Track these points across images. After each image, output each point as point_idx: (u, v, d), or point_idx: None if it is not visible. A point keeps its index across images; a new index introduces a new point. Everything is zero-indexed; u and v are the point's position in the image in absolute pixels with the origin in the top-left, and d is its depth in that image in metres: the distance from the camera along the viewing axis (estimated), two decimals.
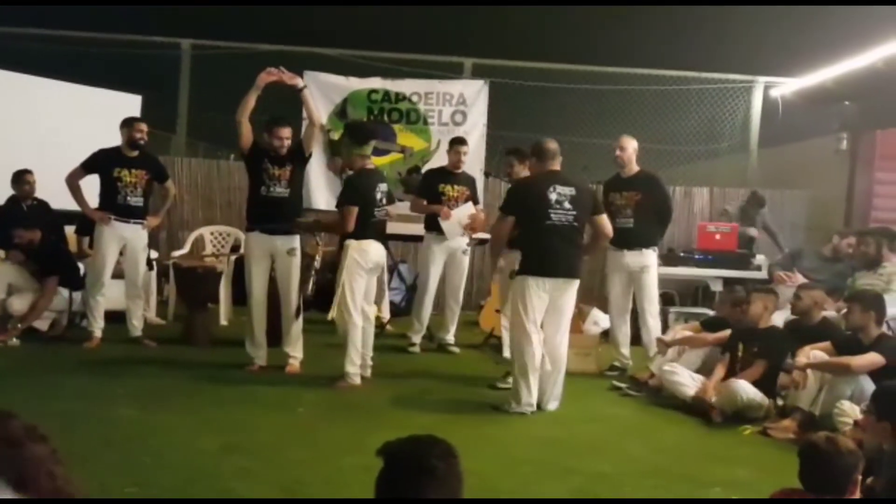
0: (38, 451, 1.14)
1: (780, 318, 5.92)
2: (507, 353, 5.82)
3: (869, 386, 4.54)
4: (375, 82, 8.78)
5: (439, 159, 8.16)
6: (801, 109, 9.07)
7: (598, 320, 7.47)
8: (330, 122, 8.52)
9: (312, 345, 6.01)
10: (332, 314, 5.42)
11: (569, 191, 5.04)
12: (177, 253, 7.95)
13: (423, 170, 8.06)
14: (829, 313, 5.66)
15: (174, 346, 6.40)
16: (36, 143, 7.41)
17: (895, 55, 7.10)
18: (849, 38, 7.53)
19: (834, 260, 6.82)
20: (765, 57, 9.72)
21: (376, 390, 5.43)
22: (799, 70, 8.70)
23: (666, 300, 8.05)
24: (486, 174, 8.28)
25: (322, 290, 5.97)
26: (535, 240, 5.03)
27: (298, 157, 5.79)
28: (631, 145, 6.25)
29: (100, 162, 6.35)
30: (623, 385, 5.81)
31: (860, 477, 2.45)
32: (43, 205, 6.85)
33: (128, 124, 6.42)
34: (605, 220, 5.34)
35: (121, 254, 6.47)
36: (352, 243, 5.41)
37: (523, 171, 5.90)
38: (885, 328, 4.95)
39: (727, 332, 5.55)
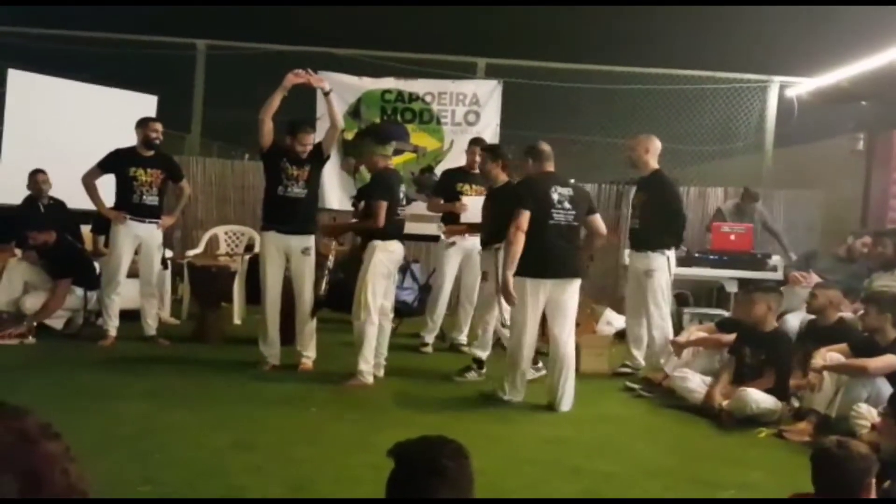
0: (52, 449, 1.15)
1: (796, 320, 5.88)
2: (479, 353, 5.92)
3: (886, 388, 4.50)
4: (389, 82, 8.80)
5: (452, 159, 8.17)
6: (816, 109, 9.00)
7: (612, 320, 7.44)
8: (344, 121, 8.53)
9: (325, 343, 6.03)
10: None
11: (567, 191, 5.17)
12: (191, 252, 7.99)
13: (437, 170, 8.07)
14: (846, 314, 5.62)
15: (187, 345, 6.44)
16: (53, 142, 7.47)
17: None
18: (865, 38, 7.47)
19: (849, 261, 6.76)
20: (780, 56, 9.66)
21: (388, 389, 5.45)
22: (815, 70, 8.63)
23: (680, 301, 8.01)
24: None
25: (334, 290, 6.00)
26: (537, 239, 5.05)
27: (317, 159, 5.82)
28: (641, 146, 6.07)
29: (116, 161, 6.40)
30: (636, 386, 5.76)
31: (874, 480, 2.43)
32: (59, 204, 6.92)
33: (143, 124, 6.46)
34: (598, 220, 5.46)
35: (136, 253, 6.52)
36: (378, 244, 5.49)
37: (495, 170, 5.91)
38: None
39: None
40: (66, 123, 7.70)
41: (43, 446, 1.13)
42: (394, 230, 5.62)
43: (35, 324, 6.30)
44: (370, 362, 5.50)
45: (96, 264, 6.77)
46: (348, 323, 5.64)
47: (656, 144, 6.13)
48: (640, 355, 6.23)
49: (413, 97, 8.77)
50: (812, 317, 5.58)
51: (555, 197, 5.09)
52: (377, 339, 5.62)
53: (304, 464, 3.87)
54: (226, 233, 8.45)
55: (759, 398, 4.91)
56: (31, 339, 6.21)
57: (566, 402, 5.16)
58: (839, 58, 7.99)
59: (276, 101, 5.62)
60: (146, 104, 7.97)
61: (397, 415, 4.88)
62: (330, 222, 7.25)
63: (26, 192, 6.86)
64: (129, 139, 6.48)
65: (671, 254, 6.07)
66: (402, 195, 5.73)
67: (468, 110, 8.77)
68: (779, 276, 7.35)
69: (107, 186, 6.51)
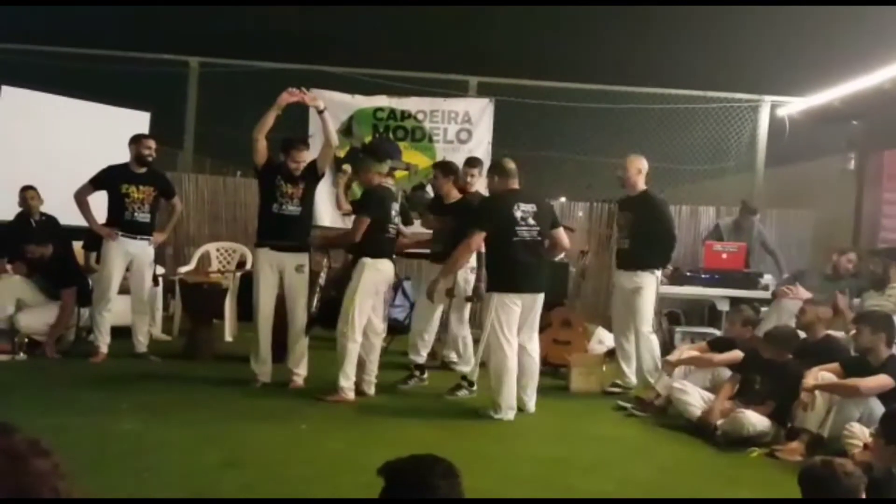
0: (41, 466, 1.13)
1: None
2: (464, 369, 6.11)
3: (878, 408, 4.50)
4: (381, 100, 8.81)
5: None
6: (808, 129, 9.05)
7: (603, 339, 7.43)
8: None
9: (316, 361, 6.01)
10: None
11: (531, 207, 5.30)
12: (183, 269, 7.96)
13: (428, 188, 8.07)
14: (837, 333, 5.63)
15: (177, 362, 6.41)
16: (45, 159, 7.46)
17: None
18: (856, 58, 7.53)
19: (835, 278, 6.77)
20: (772, 76, 9.73)
21: (378, 406, 5.44)
22: (806, 89, 8.69)
23: (672, 319, 8.02)
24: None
25: (327, 307, 5.99)
26: (503, 256, 5.25)
27: (312, 176, 5.84)
28: (633, 166, 6.18)
29: (108, 178, 6.41)
30: (628, 405, 5.76)
31: (864, 497, 2.43)
32: (51, 220, 6.89)
33: (136, 141, 6.47)
34: (562, 233, 5.63)
35: (127, 269, 6.50)
36: (367, 261, 5.50)
37: (446, 185, 6.18)
38: (894, 350, 4.90)
39: (736, 354, 5.47)
40: (58, 140, 7.69)
41: (32, 463, 1.12)
42: (383, 247, 5.61)
43: (26, 340, 6.26)
44: (351, 378, 5.51)
45: (88, 280, 6.75)
46: None
47: (645, 164, 6.27)
48: (631, 373, 6.25)
49: (405, 115, 8.78)
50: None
51: (518, 214, 5.24)
52: (368, 357, 5.65)
53: (294, 482, 3.84)
54: (217, 249, 8.43)
55: (755, 421, 4.90)
56: (21, 356, 6.17)
57: (531, 404, 5.48)
58: (830, 77, 8.05)
59: (269, 119, 5.64)
60: (139, 121, 7.94)
61: (388, 433, 4.85)
62: (320, 236, 7.25)
63: (18, 209, 6.84)
64: (122, 156, 6.48)
65: (659, 273, 6.23)
66: (394, 213, 5.73)
67: (460, 128, 8.79)
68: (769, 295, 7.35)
69: (99, 203, 6.49)
